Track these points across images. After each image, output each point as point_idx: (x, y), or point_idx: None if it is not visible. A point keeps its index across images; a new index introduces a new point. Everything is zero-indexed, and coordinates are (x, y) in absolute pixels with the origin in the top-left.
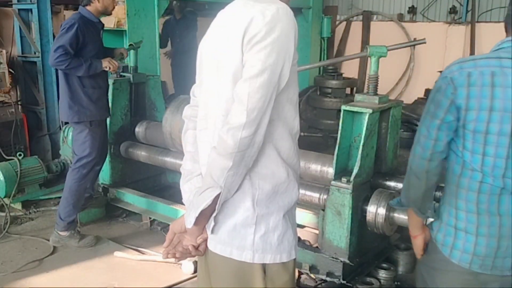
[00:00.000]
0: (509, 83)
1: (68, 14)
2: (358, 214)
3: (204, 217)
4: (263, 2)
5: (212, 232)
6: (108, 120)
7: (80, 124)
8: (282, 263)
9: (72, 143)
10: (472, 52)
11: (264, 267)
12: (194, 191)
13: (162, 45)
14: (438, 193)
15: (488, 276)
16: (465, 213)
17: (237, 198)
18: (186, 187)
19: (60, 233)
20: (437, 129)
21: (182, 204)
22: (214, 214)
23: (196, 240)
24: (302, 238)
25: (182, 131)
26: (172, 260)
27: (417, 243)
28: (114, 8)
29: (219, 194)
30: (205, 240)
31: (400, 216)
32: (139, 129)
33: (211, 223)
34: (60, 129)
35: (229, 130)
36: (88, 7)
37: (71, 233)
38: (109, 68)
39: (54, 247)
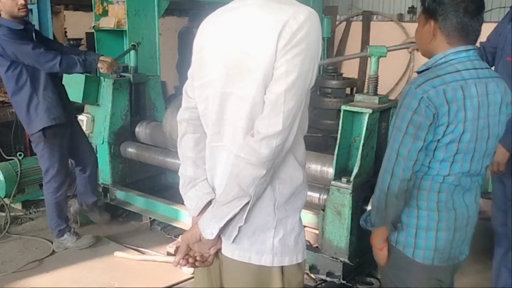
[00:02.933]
0: (474, 94)
1: (68, 14)
2: (358, 214)
3: (223, 227)
4: (288, 4)
5: (233, 241)
6: (108, 119)
7: (34, 135)
8: (298, 263)
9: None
10: None
11: (282, 269)
12: (214, 203)
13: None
14: None
15: (442, 267)
16: (426, 211)
17: (258, 204)
18: (191, 194)
19: (58, 239)
20: (419, 151)
21: (182, 204)
22: (240, 224)
23: (209, 249)
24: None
25: (179, 135)
26: (172, 260)
27: (384, 253)
28: (22, 8)
29: (247, 203)
30: (217, 250)
31: None
32: (139, 129)
33: (234, 232)
34: None
35: (263, 139)
36: (1, 15)
37: (67, 235)
38: (102, 69)
39: None
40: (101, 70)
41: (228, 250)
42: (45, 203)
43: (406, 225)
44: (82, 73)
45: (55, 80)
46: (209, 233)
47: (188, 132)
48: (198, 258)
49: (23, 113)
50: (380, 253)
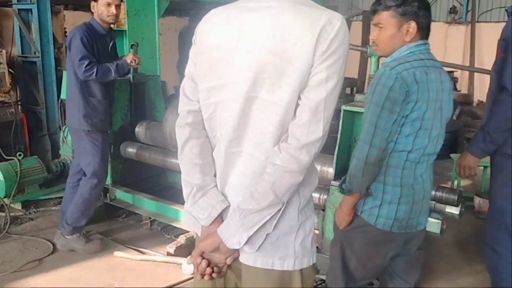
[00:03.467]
0: (433, 78)
1: (68, 14)
2: None
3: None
4: (316, 7)
5: (258, 248)
6: None
7: (79, 130)
8: (313, 264)
9: (75, 149)
10: (472, 52)
11: (301, 271)
12: (239, 211)
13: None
14: None
15: (399, 234)
16: (391, 187)
17: (285, 209)
18: (202, 203)
19: (66, 236)
20: (393, 123)
21: (182, 204)
22: (269, 231)
23: (225, 259)
24: None
25: (181, 140)
26: (172, 260)
27: (349, 218)
28: (112, 16)
29: (278, 210)
30: (234, 259)
31: None
32: (139, 129)
33: (259, 240)
34: (60, 129)
35: (303, 146)
36: (93, 16)
37: (76, 236)
38: (134, 61)
39: (54, 247)
40: (133, 64)
41: (250, 258)
42: (46, 202)
43: (372, 198)
44: (117, 78)
45: (105, 90)
46: (236, 242)
47: (192, 137)
48: (215, 269)
49: (68, 105)
50: (347, 218)
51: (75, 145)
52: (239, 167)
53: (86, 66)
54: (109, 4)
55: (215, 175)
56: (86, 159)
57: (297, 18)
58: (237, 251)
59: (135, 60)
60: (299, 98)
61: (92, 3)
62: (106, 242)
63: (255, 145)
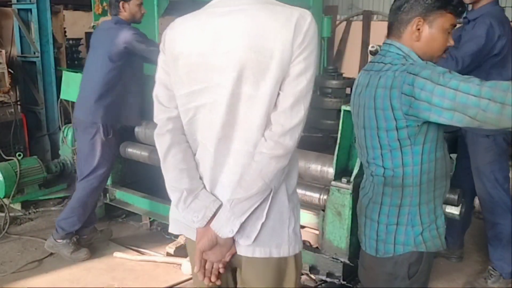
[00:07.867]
0: None
1: (68, 14)
2: None
3: (241, 226)
4: (286, 6)
5: (255, 240)
6: None
7: (97, 131)
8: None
9: (80, 150)
10: None
11: (295, 256)
12: (229, 203)
13: None
14: None
15: None
16: None
17: (275, 196)
18: (195, 206)
19: (57, 240)
20: None
21: None
22: (262, 220)
23: (225, 255)
24: (302, 239)
25: (163, 148)
26: (172, 260)
27: None
28: (142, 15)
29: (267, 196)
30: (232, 255)
31: None
32: (139, 129)
33: (254, 231)
34: (60, 129)
35: (288, 131)
36: (120, 16)
37: (66, 242)
38: None
39: None
40: None
41: (248, 250)
42: (46, 203)
43: None
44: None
45: (134, 82)
46: (229, 231)
47: (174, 143)
48: (220, 270)
49: (98, 103)
50: None
51: (88, 144)
52: (228, 165)
53: (143, 37)
54: (141, 4)
55: (200, 178)
56: (94, 161)
57: (272, 16)
58: (234, 247)
59: None
60: (280, 88)
61: (122, 3)
62: (105, 243)
63: (245, 140)
